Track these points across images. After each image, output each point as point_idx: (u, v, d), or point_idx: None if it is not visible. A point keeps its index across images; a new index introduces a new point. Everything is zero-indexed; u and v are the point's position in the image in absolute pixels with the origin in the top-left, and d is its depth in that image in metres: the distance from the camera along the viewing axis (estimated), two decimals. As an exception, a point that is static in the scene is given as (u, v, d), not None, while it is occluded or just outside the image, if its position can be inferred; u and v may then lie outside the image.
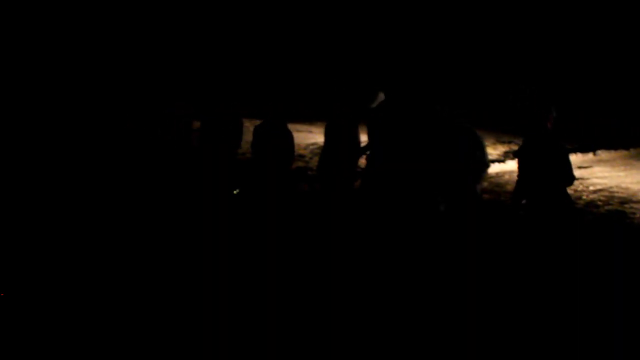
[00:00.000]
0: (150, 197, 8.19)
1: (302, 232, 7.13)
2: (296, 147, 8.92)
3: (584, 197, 9.47)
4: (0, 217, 7.39)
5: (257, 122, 8.21)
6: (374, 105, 7.54)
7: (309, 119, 13.94)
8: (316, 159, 9.56)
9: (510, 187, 9.83)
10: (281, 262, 6.28)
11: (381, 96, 7.62)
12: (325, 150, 7.75)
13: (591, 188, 10.03)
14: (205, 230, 6.77)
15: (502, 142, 13.52)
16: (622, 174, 11.11)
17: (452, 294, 5.71)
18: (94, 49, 16.86)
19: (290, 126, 8.03)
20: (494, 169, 11.27)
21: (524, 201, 6.27)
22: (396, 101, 7.28)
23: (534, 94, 14.72)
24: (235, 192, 7.66)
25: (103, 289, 5.74)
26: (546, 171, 5.93)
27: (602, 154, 12.62)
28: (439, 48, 17.13)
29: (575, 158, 12.05)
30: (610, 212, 8.81)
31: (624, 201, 9.31)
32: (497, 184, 10.27)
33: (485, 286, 5.85)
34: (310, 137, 12.95)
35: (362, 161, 8.12)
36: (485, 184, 10.22)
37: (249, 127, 12.98)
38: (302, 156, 11.52)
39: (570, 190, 9.78)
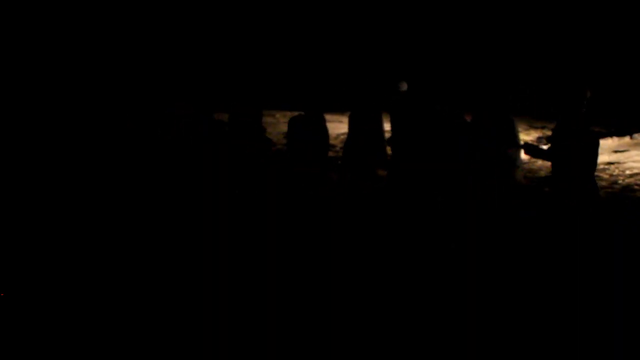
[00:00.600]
0: (151, 197, 8.21)
1: (317, 227, 7.09)
2: (326, 137, 8.91)
3: (620, 182, 9.30)
4: (1, 217, 7.45)
5: (289, 113, 8.19)
6: (398, 94, 7.50)
7: (339, 109, 13.89)
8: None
9: (543, 173, 9.69)
10: (290, 259, 6.27)
11: (404, 85, 7.56)
12: (349, 139, 7.72)
13: (627, 172, 9.84)
14: (212, 229, 6.76)
15: (535, 128, 13.36)
16: (659, 157, 10.91)
17: (452, 292, 5.66)
18: (94, 49, 16.95)
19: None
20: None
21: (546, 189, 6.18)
22: (411, 98, 7.25)
23: (534, 94, 14.54)
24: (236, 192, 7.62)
25: (103, 289, 5.76)
26: (577, 157, 5.80)
27: (639, 137, 12.39)
28: (440, 48, 17.01)
29: (611, 142, 11.85)
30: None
31: (662, 185, 9.14)
32: (530, 169, 10.14)
33: (488, 284, 5.79)
34: (340, 127, 12.93)
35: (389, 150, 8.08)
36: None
37: (279, 118, 13.01)
38: (332, 146, 11.50)
39: (605, 175, 9.66)
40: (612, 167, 10.15)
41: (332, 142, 11.81)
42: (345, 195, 7.53)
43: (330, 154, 10.83)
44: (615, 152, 11.12)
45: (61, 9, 17.20)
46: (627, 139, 12.24)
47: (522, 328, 5.09)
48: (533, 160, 10.65)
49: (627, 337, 4.90)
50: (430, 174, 6.41)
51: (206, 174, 7.57)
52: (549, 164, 6.36)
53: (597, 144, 5.80)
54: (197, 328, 5.03)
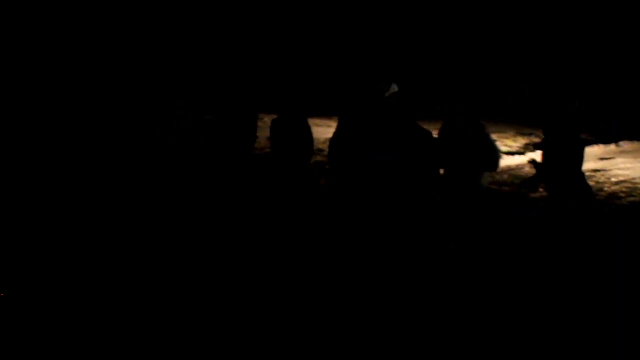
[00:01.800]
0: (151, 197, 8.20)
1: (315, 228, 7.09)
2: (315, 142, 8.90)
3: (606, 189, 9.37)
4: (1, 217, 7.42)
5: (275, 117, 8.20)
6: (387, 96, 7.45)
7: (327, 114, 13.92)
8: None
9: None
10: (289, 260, 6.27)
11: (394, 87, 7.54)
12: (336, 141, 7.70)
13: (613, 180, 9.92)
14: (210, 228, 6.76)
15: (523, 135, 13.42)
16: (645, 165, 10.99)
17: (451, 291, 5.68)
18: (94, 49, 16.90)
19: (309, 121, 7.99)
20: (514, 161, 11.19)
21: (541, 190, 6.24)
22: (401, 99, 7.23)
23: (534, 94, 14.63)
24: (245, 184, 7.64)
25: (103, 289, 5.74)
26: (563, 162, 5.91)
27: (625, 145, 12.49)
28: (439, 48, 17.07)
29: (597, 149, 11.93)
30: (632, 204, 8.71)
31: (647, 193, 9.22)
32: (517, 176, 10.20)
33: (486, 284, 5.81)
34: (329, 132, 12.88)
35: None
36: (505, 176, 10.17)
37: (267, 122, 13.00)
38: (320, 150, 11.50)
39: (591, 182, 9.72)
40: (598, 174, 10.21)
41: (320, 146, 11.81)
42: (335, 198, 7.54)
43: (319, 158, 10.85)
44: (601, 159, 11.19)
45: (61, 9, 17.15)
46: (612, 146, 12.34)
47: (522, 328, 5.11)
48: (520, 166, 10.72)
49: (627, 336, 4.93)
50: (430, 173, 6.39)
51: (214, 172, 7.58)
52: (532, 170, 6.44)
53: (583, 146, 5.94)
54: (197, 328, 5.03)
